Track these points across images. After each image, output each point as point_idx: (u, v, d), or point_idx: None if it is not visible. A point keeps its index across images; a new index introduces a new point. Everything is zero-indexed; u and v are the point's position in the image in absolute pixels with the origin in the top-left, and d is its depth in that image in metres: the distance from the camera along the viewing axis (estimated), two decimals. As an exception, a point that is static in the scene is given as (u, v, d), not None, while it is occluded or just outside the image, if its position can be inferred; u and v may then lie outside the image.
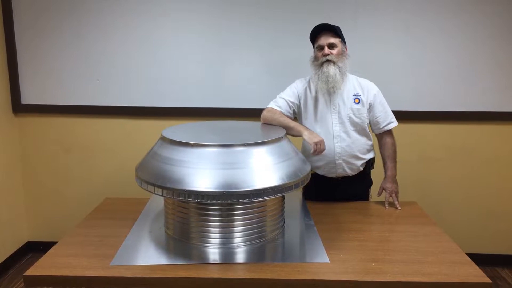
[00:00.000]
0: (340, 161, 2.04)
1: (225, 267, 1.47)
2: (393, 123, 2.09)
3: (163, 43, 2.68)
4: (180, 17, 2.65)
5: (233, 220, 1.60)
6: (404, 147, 2.46)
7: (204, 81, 2.72)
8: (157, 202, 2.05)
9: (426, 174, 2.80)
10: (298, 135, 1.93)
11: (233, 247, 1.59)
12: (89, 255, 1.54)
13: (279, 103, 2.06)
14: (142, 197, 2.12)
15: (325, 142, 1.89)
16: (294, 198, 2.14)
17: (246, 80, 2.71)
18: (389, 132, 2.11)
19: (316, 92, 2.03)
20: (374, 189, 2.21)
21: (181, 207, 1.63)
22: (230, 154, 1.53)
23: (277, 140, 1.66)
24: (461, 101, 2.67)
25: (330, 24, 1.97)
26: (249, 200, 1.47)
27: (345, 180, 2.10)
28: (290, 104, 2.06)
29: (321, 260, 1.52)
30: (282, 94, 2.09)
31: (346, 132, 2.02)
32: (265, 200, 1.60)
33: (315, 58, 2.01)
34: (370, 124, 2.09)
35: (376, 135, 2.15)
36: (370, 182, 2.21)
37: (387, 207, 2.05)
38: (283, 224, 1.79)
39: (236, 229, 1.60)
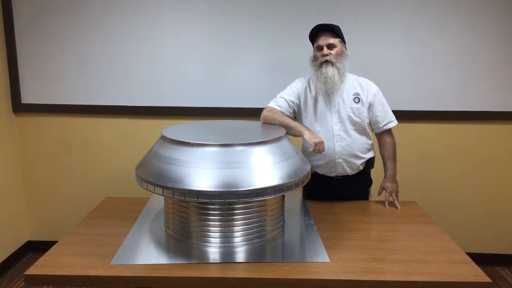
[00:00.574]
0: (340, 160, 2.04)
1: (225, 266, 1.47)
2: (393, 122, 2.09)
3: (163, 43, 2.68)
4: (180, 17, 2.65)
5: (233, 220, 1.60)
6: (404, 146, 2.46)
7: (204, 80, 2.72)
8: (157, 201, 2.06)
9: (426, 174, 2.80)
10: (298, 135, 1.93)
11: (233, 247, 1.60)
12: (89, 254, 1.55)
13: (280, 103, 2.06)
14: (142, 197, 2.12)
15: (325, 141, 1.89)
16: (294, 198, 2.14)
17: (246, 79, 2.71)
18: (389, 131, 2.11)
19: (316, 92, 2.03)
20: (374, 189, 2.21)
21: (181, 206, 1.63)
22: (230, 153, 1.53)
23: (277, 139, 1.66)
24: (461, 101, 2.68)
25: (329, 24, 1.97)
26: (249, 200, 1.48)
27: (345, 179, 2.10)
28: (290, 103, 2.06)
29: (321, 259, 1.52)
30: (282, 94, 2.09)
31: (346, 131, 2.02)
32: (265, 199, 1.60)
33: (314, 58, 2.01)
34: (369, 123, 2.09)
35: (376, 134, 2.15)
36: (370, 182, 2.21)
37: (387, 207, 2.05)
38: (283, 224, 1.79)
39: (236, 228, 1.60)
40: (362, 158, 2.08)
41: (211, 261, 1.50)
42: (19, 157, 2.89)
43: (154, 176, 1.52)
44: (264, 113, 2.04)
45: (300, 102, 2.08)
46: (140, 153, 1.89)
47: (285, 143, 1.69)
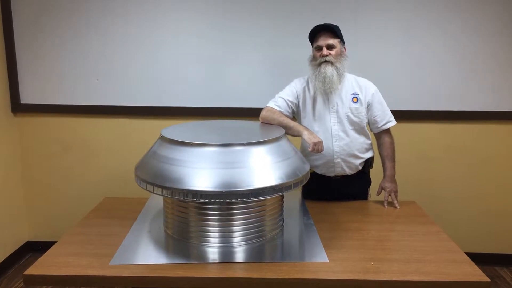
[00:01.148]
0: (339, 160, 2.04)
1: (224, 266, 1.47)
2: (392, 122, 2.09)
3: (163, 43, 2.68)
4: (180, 17, 2.65)
5: (232, 220, 1.60)
6: (404, 146, 2.46)
7: (203, 80, 2.72)
8: (157, 201, 2.06)
9: (425, 174, 2.80)
10: (297, 135, 1.93)
11: (232, 247, 1.60)
12: (89, 254, 1.55)
13: (278, 103, 2.06)
14: (142, 197, 2.12)
15: (324, 141, 1.89)
16: (293, 197, 2.14)
17: (246, 79, 2.71)
18: (388, 131, 2.11)
19: (315, 92, 2.03)
20: (373, 189, 2.21)
21: (180, 206, 1.64)
22: (229, 153, 1.53)
23: (276, 139, 1.66)
24: (461, 101, 2.68)
25: (329, 24, 1.97)
26: (248, 200, 1.48)
27: (344, 179, 2.10)
28: (289, 103, 2.06)
29: (320, 259, 1.52)
30: (281, 94, 2.09)
31: (345, 131, 2.02)
32: (264, 199, 1.60)
33: (313, 58, 2.01)
34: (368, 123, 2.09)
35: (375, 134, 2.15)
36: (369, 182, 2.21)
37: (386, 207, 2.05)
38: (282, 224, 1.79)
39: (235, 228, 1.60)
40: (360, 158, 2.08)
41: (210, 261, 1.50)
42: (18, 157, 2.89)
43: (153, 176, 1.52)
44: (263, 113, 2.04)
45: (299, 102, 2.08)
46: (139, 153, 1.89)
47: (284, 143, 1.70)
